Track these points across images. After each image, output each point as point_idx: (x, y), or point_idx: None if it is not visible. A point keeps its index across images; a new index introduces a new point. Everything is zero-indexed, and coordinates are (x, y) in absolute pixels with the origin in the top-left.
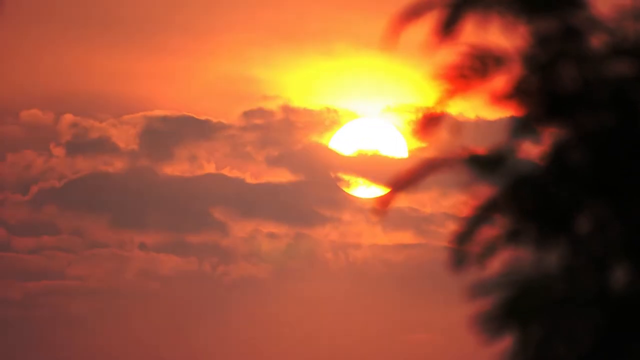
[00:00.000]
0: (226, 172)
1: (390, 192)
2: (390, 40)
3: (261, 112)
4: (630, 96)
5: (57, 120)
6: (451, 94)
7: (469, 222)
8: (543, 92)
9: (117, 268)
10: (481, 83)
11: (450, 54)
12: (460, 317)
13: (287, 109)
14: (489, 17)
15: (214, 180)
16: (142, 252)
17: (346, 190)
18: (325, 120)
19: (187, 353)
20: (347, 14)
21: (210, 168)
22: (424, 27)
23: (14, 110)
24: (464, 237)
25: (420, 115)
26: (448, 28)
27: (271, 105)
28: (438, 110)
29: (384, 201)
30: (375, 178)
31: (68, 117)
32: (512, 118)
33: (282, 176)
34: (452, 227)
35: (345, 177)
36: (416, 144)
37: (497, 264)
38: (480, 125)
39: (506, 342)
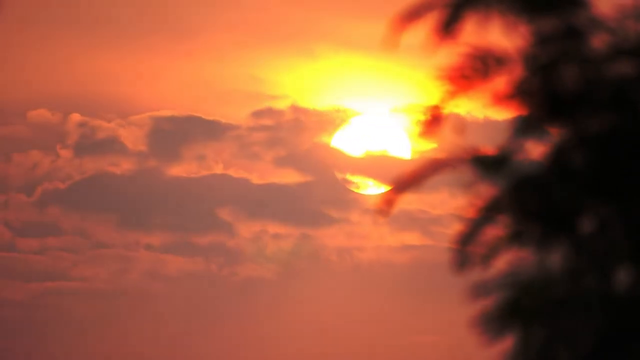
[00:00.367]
0: (232, 172)
1: (393, 192)
2: (392, 40)
3: (269, 112)
4: (632, 96)
5: (65, 120)
6: (453, 94)
7: (472, 223)
8: (544, 93)
9: (122, 269)
10: (482, 83)
11: (451, 54)
12: (467, 318)
13: (295, 109)
14: (490, 17)
15: (220, 180)
16: (147, 253)
17: (355, 190)
18: (333, 121)
19: (193, 354)
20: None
21: (217, 168)
22: (426, 27)
23: (21, 111)
24: (467, 237)
25: (423, 115)
26: (448, 28)
27: (279, 105)
28: (440, 110)
29: (387, 201)
30: (383, 179)
31: (75, 117)
32: (515, 118)
33: (289, 177)
34: (456, 228)
35: (353, 177)
36: (420, 144)
37: (500, 264)
38: (483, 125)
39: (508, 342)
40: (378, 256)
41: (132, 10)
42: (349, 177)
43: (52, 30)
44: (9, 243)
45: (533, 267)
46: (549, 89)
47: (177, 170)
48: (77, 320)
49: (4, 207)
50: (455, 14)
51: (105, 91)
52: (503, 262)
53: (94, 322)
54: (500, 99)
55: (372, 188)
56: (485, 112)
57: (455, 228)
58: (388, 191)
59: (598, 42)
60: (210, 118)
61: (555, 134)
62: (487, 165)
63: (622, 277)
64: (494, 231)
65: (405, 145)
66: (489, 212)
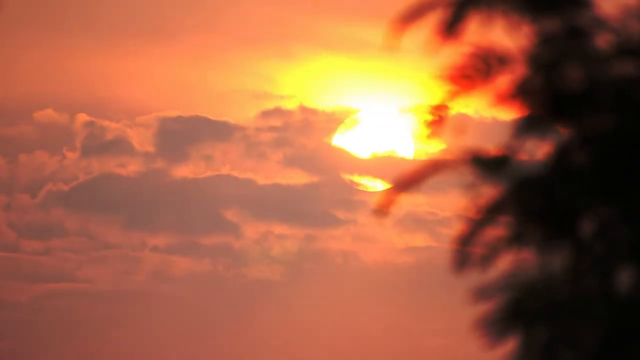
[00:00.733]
0: (237, 173)
1: (392, 192)
2: (393, 40)
3: (278, 113)
4: (635, 96)
5: (72, 120)
6: (455, 94)
7: (473, 224)
8: (547, 93)
9: (128, 270)
10: (485, 83)
11: (454, 54)
12: (469, 320)
13: (303, 110)
14: (493, 17)
15: (227, 181)
16: (153, 254)
17: (363, 189)
18: (340, 121)
19: (198, 356)
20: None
21: (222, 169)
22: (428, 26)
23: (27, 111)
24: (467, 238)
25: (426, 115)
26: (451, 28)
27: (286, 105)
28: (443, 110)
29: (386, 201)
30: (391, 180)
31: (82, 118)
32: (517, 118)
33: (296, 177)
34: (458, 228)
35: (361, 178)
36: (424, 144)
37: (501, 265)
38: (486, 125)
39: (511, 345)
40: (385, 258)
41: (132, 12)
42: (357, 178)
43: (58, 31)
44: (14, 244)
45: (535, 269)
46: (551, 89)
47: (184, 170)
48: (82, 321)
49: (9, 208)
50: (458, 13)
51: (111, 91)
52: (504, 263)
53: (98, 323)
54: (502, 99)
55: (379, 189)
56: (488, 112)
57: (457, 229)
58: (387, 191)
59: (601, 42)
60: (217, 118)
61: (558, 134)
62: (488, 165)
63: (625, 278)
64: (495, 232)
65: (414, 146)
66: (490, 213)
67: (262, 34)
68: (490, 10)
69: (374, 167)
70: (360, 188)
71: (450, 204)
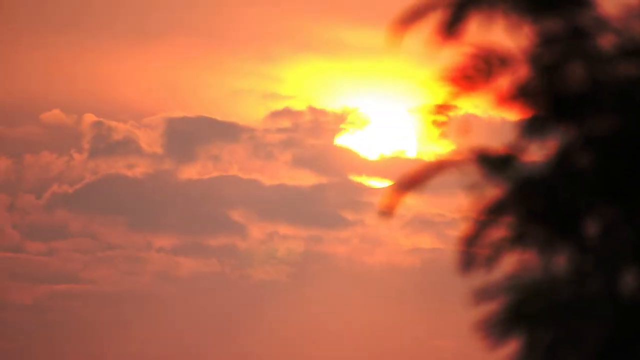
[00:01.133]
0: (244, 174)
1: (396, 192)
2: (394, 41)
3: (288, 113)
4: (638, 97)
5: (79, 121)
6: (456, 95)
7: (477, 225)
8: (549, 93)
9: (133, 271)
10: (486, 84)
11: (455, 54)
12: (473, 321)
13: (313, 111)
14: (494, 17)
15: (233, 182)
16: (159, 255)
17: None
18: (349, 122)
19: (206, 357)
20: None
21: (229, 170)
22: (429, 27)
23: (34, 112)
24: (471, 239)
25: (432, 116)
26: (451, 28)
27: (297, 106)
28: (449, 111)
29: (390, 201)
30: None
31: (90, 118)
32: (520, 119)
33: (304, 178)
34: (462, 229)
35: (369, 179)
36: (428, 144)
37: (504, 267)
38: (494, 125)
39: (514, 346)
40: (392, 259)
41: (135, 15)
42: (365, 179)
43: (64, 33)
44: (18, 245)
45: (538, 270)
46: (553, 90)
47: (191, 171)
48: (87, 323)
49: (13, 209)
50: (458, 13)
51: (117, 92)
52: (508, 264)
53: (103, 324)
54: (504, 100)
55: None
56: (490, 112)
57: (462, 230)
58: (391, 191)
59: (603, 42)
60: (224, 119)
61: (561, 134)
62: (491, 165)
63: (628, 279)
64: (499, 232)
65: (421, 146)
66: (493, 214)
67: (267, 36)
68: (490, 11)
69: (382, 168)
70: (369, 189)
71: (459, 206)
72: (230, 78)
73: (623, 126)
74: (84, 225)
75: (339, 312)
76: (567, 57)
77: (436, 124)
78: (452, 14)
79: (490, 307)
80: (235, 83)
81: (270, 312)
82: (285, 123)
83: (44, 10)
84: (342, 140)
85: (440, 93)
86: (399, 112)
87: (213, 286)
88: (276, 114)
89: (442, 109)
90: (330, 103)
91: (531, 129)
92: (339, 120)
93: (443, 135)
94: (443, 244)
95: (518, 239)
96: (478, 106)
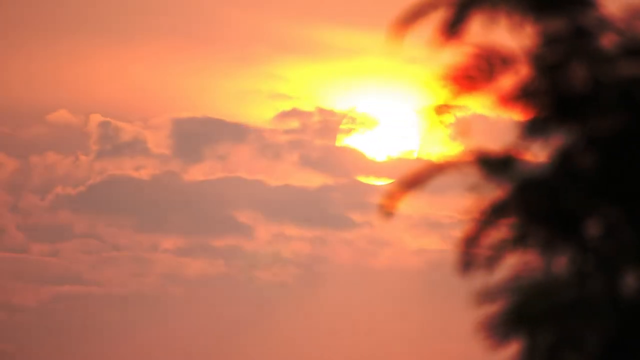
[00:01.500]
0: (251, 174)
1: (397, 191)
2: (396, 40)
3: (295, 114)
4: None
5: (86, 121)
6: (458, 95)
7: (478, 226)
8: (551, 93)
9: (139, 272)
10: (488, 84)
11: (457, 54)
12: (475, 323)
13: (321, 111)
14: (496, 17)
15: (239, 183)
16: (165, 256)
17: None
18: (355, 123)
19: (213, 358)
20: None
21: (235, 171)
22: (431, 26)
23: (41, 112)
24: (472, 240)
25: (433, 117)
26: (454, 28)
27: (304, 107)
28: (447, 111)
29: (391, 200)
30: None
31: (97, 118)
32: (521, 120)
33: (311, 179)
34: (464, 230)
35: (376, 180)
36: (432, 144)
37: (506, 268)
38: (494, 125)
39: (516, 347)
40: (399, 261)
41: (138, 16)
42: (372, 180)
43: (70, 32)
44: (23, 246)
45: (539, 271)
46: (556, 90)
47: (197, 172)
48: (92, 324)
49: (18, 210)
50: (460, 13)
51: (124, 93)
52: (509, 265)
53: (109, 326)
54: (506, 100)
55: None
56: (492, 112)
57: (463, 231)
58: (392, 190)
59: (606, 42)
60: (231, 119)
61: (563, 135)
62: (493, 166)
63: (629, 280)
64: (500, 233)
65: (425, 146)
66: (494, 214)
67: (274, 37)
68: (493, 10)
69: (389, 169)
70: (376, 190)
71: (463, 207)
72: (238, 79)
73: (625, 126)
74: (89, 226)
75: (345, 313)
76: (569, 57)
77: (439, 124)
78: (454, 13)
79: (492, 309)
80: (243, 84)
81: (276, 313)
82: (294, 124)
83: (50, 11)
84: (350, 141)
85: (443, 93)
86: (407, 112)
87: (219, 287)
88: (284, 115)
89: (444, 109)
90: (338, 104)
91: (533, 129)
92: (347, 121)
93: (446, 135)
94: (451, 245)
95: (519, 240)
96: (480, 106)
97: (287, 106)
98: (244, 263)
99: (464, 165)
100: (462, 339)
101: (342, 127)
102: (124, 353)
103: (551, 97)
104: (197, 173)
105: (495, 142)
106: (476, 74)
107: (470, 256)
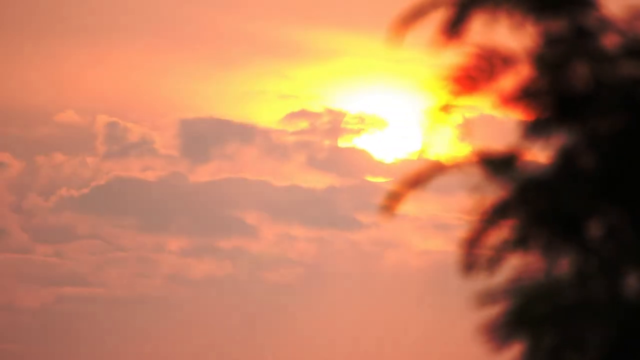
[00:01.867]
0: (257, 175)
1: (398, 190)
2: (396, 40)
3: (304, 114)
4: None
5: (93, 121)
6: (459, 95)
7: (479, 227)
8: (553, 94)
9: (144, 273)
10: (489, 84)
11: (457, 54)
12: (477, 325)
13: (329, 112)
14: (497, 17)
15: (246, 184)
16: (170, 256)
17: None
18: (364, 124)
19: None
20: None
21: (243, 171)
22: (432, 26)
23: (48, 113)
24: (474, 241)
25: (436, 117)
26: (454, 28)
27: (312, 107)
28: (449, 111)
29: (392, 201)
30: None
31: (104, 119)
32: (523, 120)
33: (319, 180)
34: (466, 231)
35: (384, 181)
36: (436, 145)
37: (507, 269)
38: (490, 126)
39: (517, 349)
40: (406, 262)
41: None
42: (381, 181)
43: (76, 33)
44: (27, 247)
45: (541, 272)
46: (557, 90)
47: (204, 173)
48: (97, 326)
49: (23, 211)
50: (461, 13)
51: (130, 93)
52: (510, 267)
53: (114, 328)
54: (507, 100)
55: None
56: (493, 112)
57: (464, 231)
58: (392, 190)
59: (607, 42)
60: (239, 120)
61: (564, 135)
62: (494, 167)
63: (632, 281)
64: (502, 234)
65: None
66: (496, 215)
67: (282, 37)
68: (494, 10)
69: (398, 170)
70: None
71: (465, 208)
72: (246, 79)
73: (627, 126)
74: (94, 227)
75: (351, 314)
76: (570, 58)
77: (441, 124)
78: (455, 13)
79: (494, 310)
80: (251, 84)
81: (282, 314)
82: (302, 124)
83: (57, 12)
84: (358, 141)
85: (444, 94)
86: (416, 114)
87: (225, 288)
88: (293, 116)
89: (445, 109)
90: (347, 104)
91: (534, 129)
92: (355, 121)
93: (449, 135)
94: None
95: (521, 241)
96: (482, 107)
97: (295, 107)
98: (250, 264)
99: (466, 165)
100: (464, 341)
101: (350, 127)
102: (128, 355)
103: (552, 97)
104: (203, 173)
105: (498, 142)
106: (477, 74)
107: (472, 257)
